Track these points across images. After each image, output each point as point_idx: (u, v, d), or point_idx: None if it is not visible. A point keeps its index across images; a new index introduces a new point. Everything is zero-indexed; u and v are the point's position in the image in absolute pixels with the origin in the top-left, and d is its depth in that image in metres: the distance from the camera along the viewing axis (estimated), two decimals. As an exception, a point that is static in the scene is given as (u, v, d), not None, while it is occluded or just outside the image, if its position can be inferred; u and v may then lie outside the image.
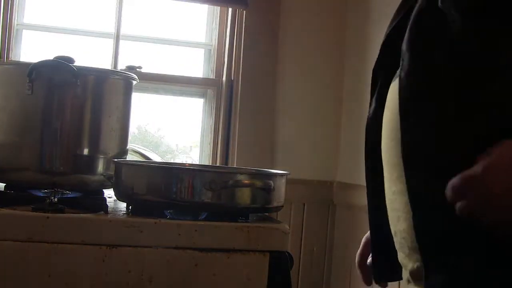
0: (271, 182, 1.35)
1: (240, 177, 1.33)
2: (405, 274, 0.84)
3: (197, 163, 2.41)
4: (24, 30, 2.31)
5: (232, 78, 2.38)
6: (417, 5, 0.79)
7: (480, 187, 0.66)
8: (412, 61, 0.77)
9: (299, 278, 2.38)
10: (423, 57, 0.76)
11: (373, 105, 0.95)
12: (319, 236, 2.42)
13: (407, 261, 0.82)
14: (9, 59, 2.20)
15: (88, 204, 1.38)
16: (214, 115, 2.42)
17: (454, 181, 0.67)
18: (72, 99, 1.50)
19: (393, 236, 0.85)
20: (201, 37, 2.51)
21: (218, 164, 2.34)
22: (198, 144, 2.50)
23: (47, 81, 1.48)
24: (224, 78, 2.41)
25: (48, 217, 1.24)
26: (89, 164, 1.53)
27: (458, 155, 0.70)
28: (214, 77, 2.45)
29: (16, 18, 2.26)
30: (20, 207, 1.29)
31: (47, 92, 1.48)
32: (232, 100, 2.38)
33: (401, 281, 0.89)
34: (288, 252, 1.35)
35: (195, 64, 2.50)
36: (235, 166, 2.27)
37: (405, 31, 0.80)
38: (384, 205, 0.88)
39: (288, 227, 1.36)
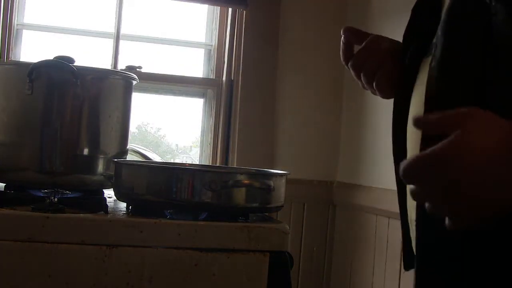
0: (271, 182, 1.35)
1: (240, 177, 1.33)
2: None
3: (197, 163, 2.41)
4: (24, 30, 2.31)
5: (232, 78, 2.38)
6: None
7: (441, 169, 0.55)
8: (445, 52, 0.71)
9: (299, 278, 2.38)
10: (458, 49, 0.69)
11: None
12: (319, 236, 2.42)
13: None
14: (9, 59, 2.20)
15: (88, 204, 1.38)
16: (214, 115, 2.42)
17: (408, 161, 0.57)
18: (72, 99, 1.50)
19: (409, 224, 0.82)
20: (201, 37, 2.51)
21: (218, 164, 2.34)
22: (198, 144, 2.50)
23: (47, 81, 1.48)
24: (224, 78, 2.41)
25: (48, 217, 1.24)
26: (89, 164, 1.53)
27: None
28: (214, 77, 2.45)
29: (16, 18, 2.26)
30: (20, 207, 1.29)
31: (47, 92, 1.48)
32: (232, 100, 2.38)
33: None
34: (288, 252, 1.34)
35: (195, 64, 2.50)
36: (235, 166, 2.27)
37: None
38: None
39: (288, 227, 1.36)
